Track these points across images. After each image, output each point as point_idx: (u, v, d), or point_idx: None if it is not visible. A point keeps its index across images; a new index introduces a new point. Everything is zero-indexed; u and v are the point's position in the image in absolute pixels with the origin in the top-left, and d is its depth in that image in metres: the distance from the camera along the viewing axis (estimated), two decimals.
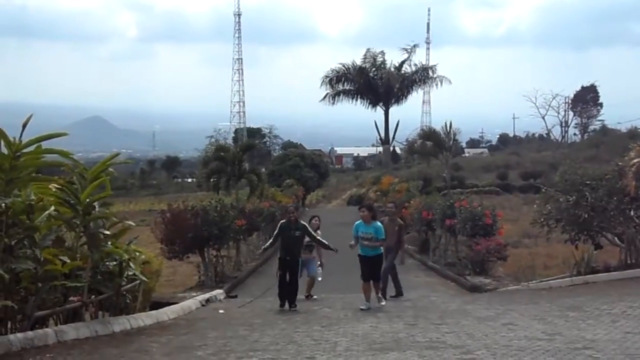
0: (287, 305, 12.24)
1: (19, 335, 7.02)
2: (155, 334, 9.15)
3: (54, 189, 8.16)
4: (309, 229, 13.18)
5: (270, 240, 13.37)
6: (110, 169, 9.01)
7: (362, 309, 11.41)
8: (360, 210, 12.08)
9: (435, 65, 56.20)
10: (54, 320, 8.31)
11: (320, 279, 13.98)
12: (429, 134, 45.09)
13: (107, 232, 8.72)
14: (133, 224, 9.76)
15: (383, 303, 12.09)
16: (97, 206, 8.62)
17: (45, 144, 7.66)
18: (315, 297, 13.85)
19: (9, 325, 7.40)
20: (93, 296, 8.87)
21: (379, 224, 11.89)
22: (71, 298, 8.42)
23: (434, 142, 42.29)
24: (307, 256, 13.67)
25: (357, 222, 12.01)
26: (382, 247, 11.99)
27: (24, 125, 7.22)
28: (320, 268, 13.94)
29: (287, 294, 12.32)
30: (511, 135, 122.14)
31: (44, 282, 7.56)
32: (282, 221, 13.09)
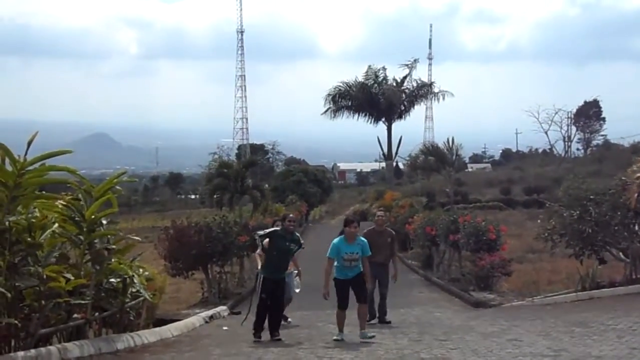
0: (263, 337, 10.34)
1: (23, 353, 6.99)
2: (159, 351, 9.12)
3: (59, 206, 8.17)
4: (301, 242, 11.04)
5: (261, 249, 10.98)
6: (118, 187, 9.03)
7: (336, 340, 9.72)
8: (351, 226, 9.95)
9: (433, 82, 56.49)
10: (58, 338, 8.29)
11: (298, 290, 12.30)
12: (431, 150, 45.20)
13: (113, 247, 8.72)
14: (138, 238, 9.78)
15: (373, 334, 9.89)
16: (103, 223, 8.63)
17: (49, 162, 7.67)
18: (290, 320, 12.24)
19: (12, 344, 7.38)
20: (97, 313, 8.86)
21: (363, 239, 10.15)
22: (75, 315, 8.40)
23: (437, 158, 42.38)
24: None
25: (335, 241, 9.97)
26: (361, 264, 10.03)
27: (29, 143, 7.25)
28: (297, 278, 12.17)
29: (271, 321, 10.43)
30: (514, 150, 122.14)
31: (48, 299, 7.55)
32: (276, 228, 10.97)
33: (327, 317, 12.93)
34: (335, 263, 9.93)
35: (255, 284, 11.86)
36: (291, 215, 11.34)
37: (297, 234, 10.93)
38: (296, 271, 12.05)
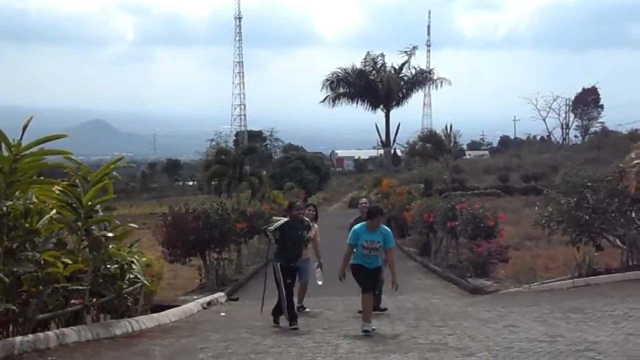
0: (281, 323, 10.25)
1: (21, 338, 7.02)
2: (157, 336, 9.15)
3: (56, 192, 8.16)
4: (313, 228, 11.21)
5: (273, 242, 10.63)
6: (115, 173, 9.02)
7: (366, 332, 9.02)
8: (375, 218, 9.40)
9: (433, 69, 56.35)
10: (56, 323, 8.31)
11: (321, 282, 11.79)
12: (428, 137, 45.20)
13: (110, 234, 8.73)
14: (135, 226, 9.78)
15: (374, 327, 9.32)
16: (100, 209, 8.63)
17: (45, 147, 7.65)
18: (307, 309, 11.98)
19: (10, 329, 7.41)
20: (94, 299, 8.88)
21: (387, 228, 9.55)
22: (73, 301, 8.42)
23: (434, 145, 42.36)
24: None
25: (356, 227, 9.60)
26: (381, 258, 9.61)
27: (24, 127, 7.23)
28: (319, 269, 11.80)
29: (290, 309, 10.17)
30: (512, 137, 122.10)
31: (46, 285, 7.56)
32: (285, 219, 10.65)
33: (324, 303, 12.98)
34: (355, 249, 9.43)
35: (265, 268, 11.58)
36: (298, 202, 11.11)
37: (307, 220, 10.85)
38: (317, 262, 11.86)
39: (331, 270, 10.32)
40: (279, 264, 10.31)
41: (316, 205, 12.94)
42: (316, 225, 12.02)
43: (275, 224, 10.60)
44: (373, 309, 11.08)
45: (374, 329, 9.17)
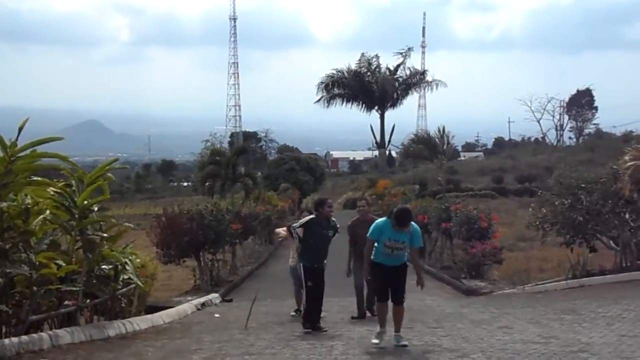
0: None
1: (14, 339, 7.00)
2: (151, 338, 9.13)
3: (51, 193, 8.14)
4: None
5: (298, 240, 10.12)
6: (109, 174, 9.00)
7: (375, 345, 8.17)
8: (406, 226, 8.23)
9: (426, 70, 56.46)
10: (49, 325, 8.29)
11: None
12: (422, 139, 45.22)
13: (104, 235, 8.72)
14: (131, 225, 9.76)
15: (405, 343, 8.16)
16: (95, 210, 8.61)
17: (40, 148, 7.64)
18: (325, 313, 10.90)
19: (3, 330, 7.39)
20: (88, 300, 8.86)
21: (417, 228, 8.50)
22: (66, 302, 8.40)
23: (428, 146, 42.37)
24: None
25: (380, 222, 8.57)
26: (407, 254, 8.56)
27: (20, 129, 7.22)
28: None
29: (308, 312, 9.80)
30: (506, 138, 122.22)
31: (39, 286, 7.54)
32: (312, 216, 10.11)
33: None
34: (376, 244, 8.42)
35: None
36: (329, 200, 10.55)
37: (334, 220, 10.24)
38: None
39: (327, 271, 10.24)
40: (301, 264, 9.94)
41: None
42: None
43: (301, 220, 10.22)
44: (369, 310, 10.75)
45: (404, 345, 8.08)
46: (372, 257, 8.48)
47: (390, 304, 8.44)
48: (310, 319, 9.71)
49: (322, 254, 9.89)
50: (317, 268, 9.83)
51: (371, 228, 8.50)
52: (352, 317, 10.89)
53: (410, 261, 8.58)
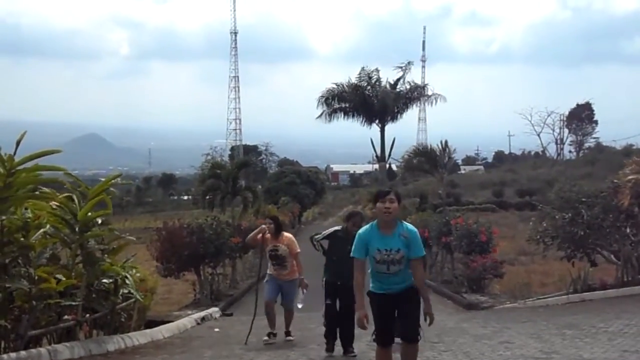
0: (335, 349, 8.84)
1: (12, 355, 6.95)
2: (150, 353, 9.08)
3: (53, 206, 8.13)
4: (286, 239, 10.06)
5: (322, 252, 9.18)
6: (112, 189, 9.00)
7: None
8: (386, 199, 6.01)
9: (427, 85, 56.53)
10: (48, 340, 8.25)
11: (301, 306, 10.08)
12: (422, 152, 45.20)
13: (106, 246, 8.70)
14: (133, 238, 9.75)
15: None
16: (98, 222, 8.59)
17: (39, 161, 7.63)
18: (292, 337, 10.16)
19: (2, 345, 7.34)
20: (88, 315, 8.82)
21: (412, 228, 6.20)
22: (65, 317, 8.36)
23: (429, 160, 42.35)
24: (279, 273, 10.04)
25: (362, 231, 6.26)
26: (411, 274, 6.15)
27: (18, 142, 7.20)
28: (303, 290, 10.01)
29: (342, 332, 8.79)
30: (507, 152, 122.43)
31: (38, 300, 7.51)
32: (336, 228, 9.20)
33: (320, 319, 12.91)
34: (369, 269, 6.25)
35: (257, 288, 10.88)
36: (361, 213, 9.39)
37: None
38: (299, 282, 10.06)
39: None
40: (324, 279, 9.02)
41: (274, 216, 10.90)
42: (289, 235, 10.35)
43: (324, 232, 9.23)
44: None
45: None
46: (369, 286, 6.25)
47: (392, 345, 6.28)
48: (332, 339, 8.83)
49: (345, 271, 7.81)
50: (340, 285, 8.56)
51: (354, 244, 6.19)
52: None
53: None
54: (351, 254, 6.18)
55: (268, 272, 10.26)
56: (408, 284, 6.14)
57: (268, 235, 10.06)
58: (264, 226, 10.21)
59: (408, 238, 6.03)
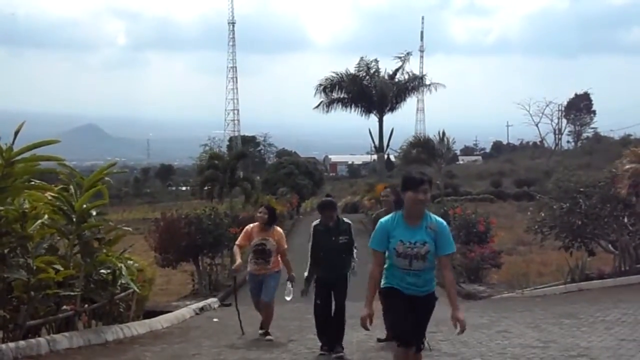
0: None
1: (11, 344, 6.97)
2: (149, 343, 9.10)
3: (49, 197, 8.13)
4: (276, 233, 9.39)
5: (309, 262, 8.45)
6: (107, 178, 8.99)
7: None
8: (420, 189, 5.24)
9: (425, 75, 56.50)
10: (47, 330, 8.26)
11: (289, 298, 9.29)
12: (420, 143, 45.20)
13: (103, 236, 8.70)
14: (129, 229, 9.75)
15: None
16: (94, 214, 8.59)
17: (38, 152, 7.62)
18: (271, 338, 9.36)
19: (1, 335, 7.36)
20: (86, 305, 8.83)
21: (443, 223, 5.44)
22: (64, 307, 8.37)
23: (427, 151, 42.37)
24: (262, 268, 9.35)
25: (385, 220, 5.41)
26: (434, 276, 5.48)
27: (16, 133, 7.19)
28: (291, 283, 9.30)
29: (331, 331, 8.17)
30: (505, 142, 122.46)
31: (37, 291, 7.51)
32: (314, 223, 8.46)
33: None
34: (386, 263, 5.40)
35: (233, 284, 10.60)
36: (328, 199, 8.74)
37: (345, 221, 8.47)
38: (288, 275, 9.41)
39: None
40: (314, 277, 8.36)
41: (270, 206, 10.19)
42: (280, 229, 9.67)
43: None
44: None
45: None
46: (382, 280, 5.43)
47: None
48: (324, 338, 8.24)
49: (336, 264, 8.13)
50: (332, 280, 8.15)
51: (373, 233, 5.47)
52: (379, 340, 8.67)
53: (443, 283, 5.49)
54: (369, 245, 5.41)
55: (248, 269, 9.58)
56: (429, 290, 5.41)
57: (253, 228, 9.47)
58: (239, 261, 9.37)
59: (436, 231, 5.27)
